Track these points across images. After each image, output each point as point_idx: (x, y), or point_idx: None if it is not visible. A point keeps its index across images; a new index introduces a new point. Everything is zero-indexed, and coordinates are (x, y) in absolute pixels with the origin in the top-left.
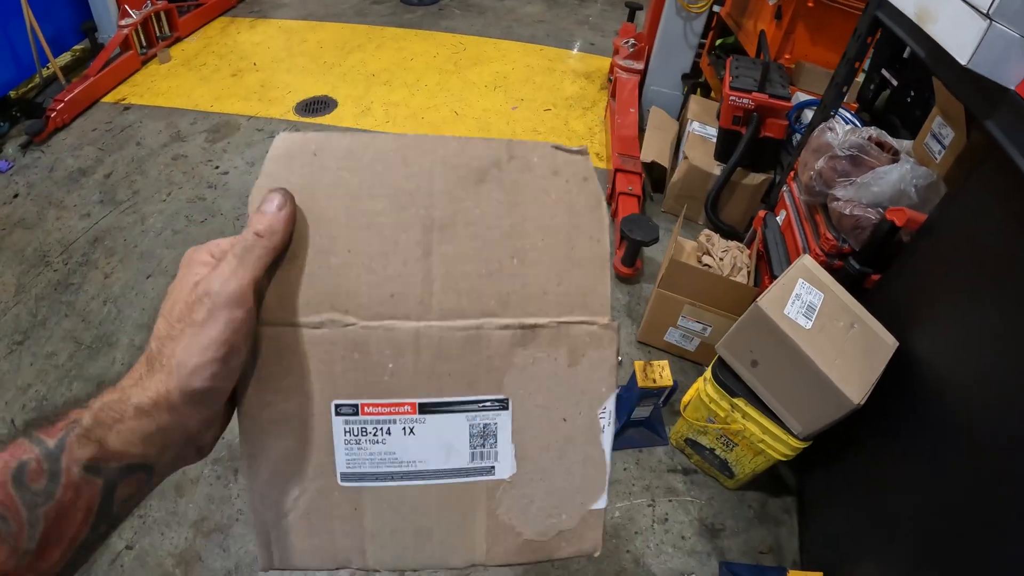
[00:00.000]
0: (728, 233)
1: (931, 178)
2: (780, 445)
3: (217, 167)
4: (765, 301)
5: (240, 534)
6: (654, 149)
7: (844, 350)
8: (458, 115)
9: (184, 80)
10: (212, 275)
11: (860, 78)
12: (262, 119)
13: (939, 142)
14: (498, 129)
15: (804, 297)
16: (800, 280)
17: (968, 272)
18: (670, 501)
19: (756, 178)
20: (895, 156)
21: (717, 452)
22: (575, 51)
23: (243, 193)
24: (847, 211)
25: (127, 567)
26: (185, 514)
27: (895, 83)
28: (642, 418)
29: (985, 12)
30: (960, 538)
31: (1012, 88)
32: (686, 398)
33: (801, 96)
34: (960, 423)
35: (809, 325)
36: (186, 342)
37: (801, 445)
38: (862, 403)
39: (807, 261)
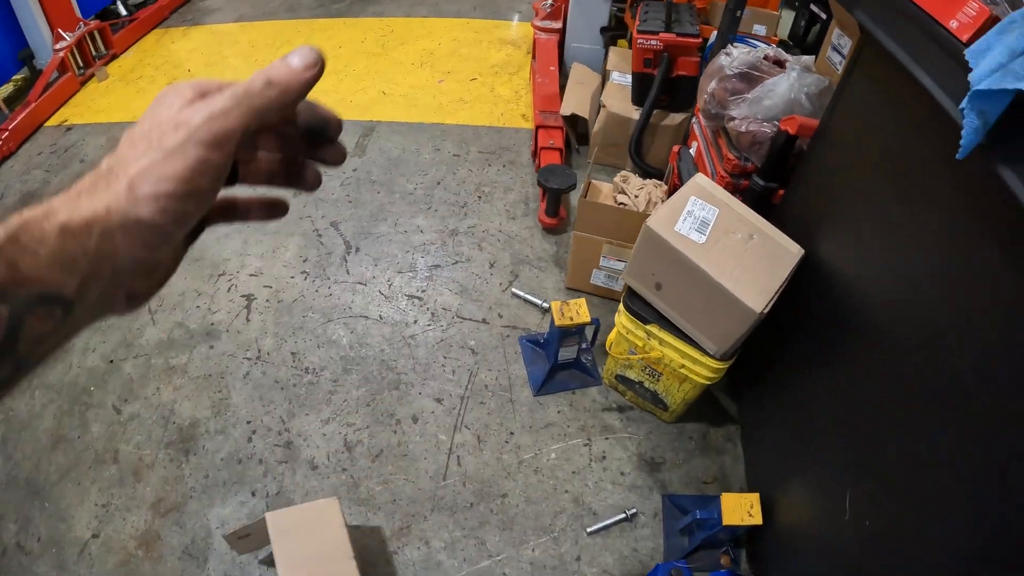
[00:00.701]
0: (654, 175)
1: (822, 84)
2: (701, 368)
3: None
4: (654, 220)
5: (194, 511)
6: (574, 102)
7: (743, 261)
8: (385, 94)
9: (122, 95)
10: (197, 105)
11: (790, 14)
12: None
13: (839, 52)
14: (424, 103)
15: (697, 213)
16: (692, 197)
17: (863, 168)
18: (607, 439)
19: (676, 118)
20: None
21: (646, 385)
22: (502, 21)
23: None
24: (743, 128)
25: (95, 555)
26: (143, 497)
27: (823, 17)
28: (570, 360)
29: None
30: (877, 437)
31: None
32: (611, 335)
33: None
34: (869, 322)
35: (703, 240)
36: (144, 165)
37: (720, 365)
38: (765, 311)
39: (700, 179)
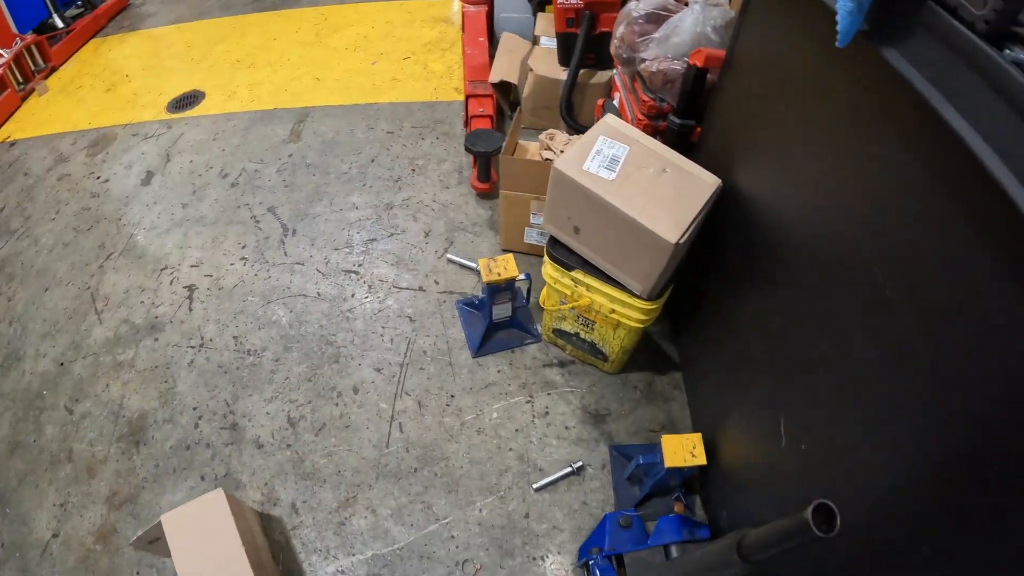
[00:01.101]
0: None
1: (728, 15)
2: (631, 311)
3: (99, 177)
4: (561, 161)
5: (147, 500)
6: (502, 70)
7: (655, 195)
8: (319, 80)
9: (63, 106)
10: None
11: None
12: (136, 124)
13: None
14: (358, 85)
15: (606, 151)
16: (601, 136)
17: (770, 92)
18: (549, 395)
19: (604, 75)
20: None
21: (582, 335)
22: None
23: (123, 195)
24: (654, 68)
25: (56, 554)
26: (98, 493)
27: None
28: (505, 318)
29: None
30: (804, 359)
31: None
32: (544, 290)
33: None
34: (789, 245)
35: (613, 176)
36: None
37: (650, 306)
38: (681, 242)
39: (609, 119)
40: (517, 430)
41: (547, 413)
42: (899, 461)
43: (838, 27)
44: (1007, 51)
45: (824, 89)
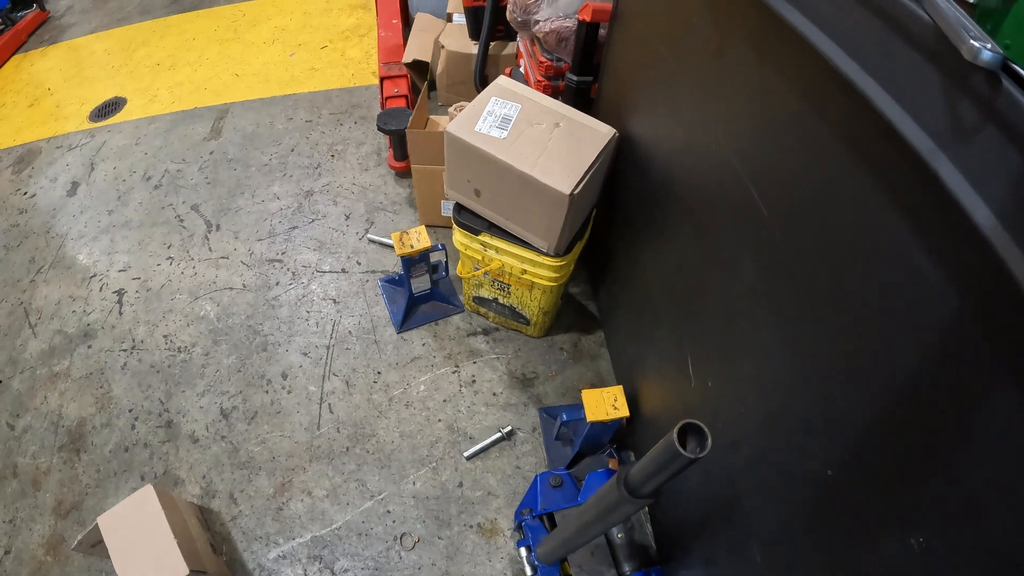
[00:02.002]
0: None
1: None
2: (542, 270)
3: (25, 193)
4: (453, 125)
5: (92, 506)
6: (416, 49)
7: (548, 149)
8: (238, 76)
9: None
10: None
11: None
12: (60, 136)
13: None
14: (276, 77)
15: (497, 112)
16: (492, 98)
17: (655, 40)
18: (475, 363)
19: (515, 45)
20: None
21: (501, 300)
22: None
23: (51, 207)
24: (548, 28)
25: (10, 570)
26: (44, 504)
27: None
28: (425, 291)
29: None
30: (701, 299)
31: None
32: (460, 259)
33: None
34: (682, 190)
35: (504, 135)
36: None
37: (559, 263)
38: (576, 192)
39: (501, 80)
40: (445, 400)
41: (474, 381)
42: (783, 391)
43: None
44: None
45: (697, 25)
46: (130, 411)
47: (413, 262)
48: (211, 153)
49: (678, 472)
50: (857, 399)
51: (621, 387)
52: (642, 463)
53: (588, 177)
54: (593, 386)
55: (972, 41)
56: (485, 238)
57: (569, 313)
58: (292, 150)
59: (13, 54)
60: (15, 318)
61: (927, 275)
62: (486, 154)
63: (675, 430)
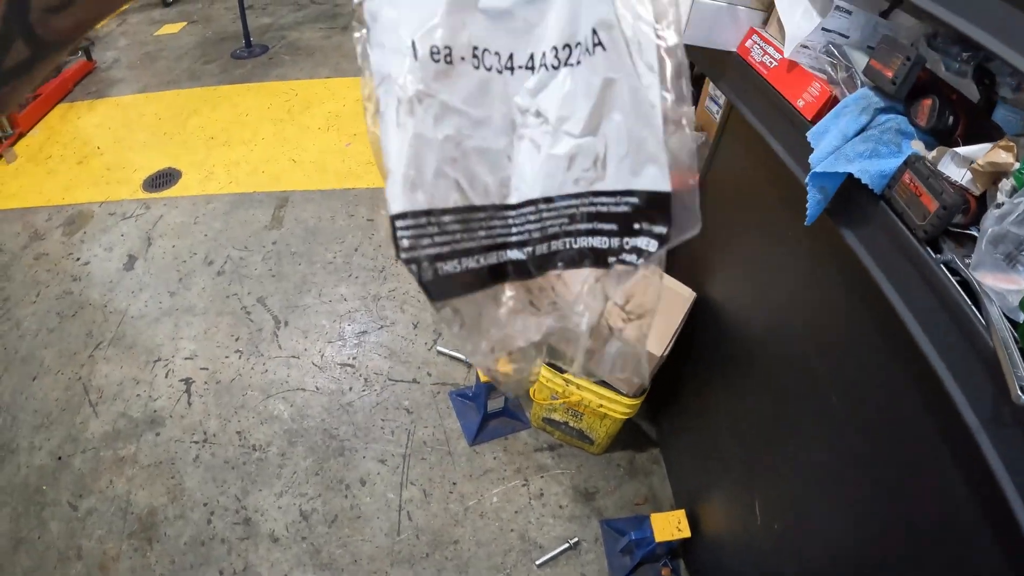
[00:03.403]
0: None
1: (700, 139)
2: (617, 405)
3: (78, 259)
4: None
5: None
6: None
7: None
8: (295, 162)
9: (32, 177)
10: None
11: None
12: (113, 203)
13: (716, 103)
14: (334, 168)
15: None
16: None
17: (737, 217)
18: (542, 477)
19: None
20: None
21: (571, 424)
22: None
23: (106, 280)
24: None
25: None
26: None
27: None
28: (498, 409)
29: None
30: (771, 449)
31: (733, 50)
32: (536, 384)
33: None
34: (751, 350)
35: None
36: None
37: (635, 402)
38: (665, 354)
39: None
40: (516, 512)
41: (542, 494)
42: (856, 539)
43: (807, 211)
44: (942, 252)
45: (787, 233)
46: (205, 505)
47: (494, 386)
48: (274, 243)
49: None
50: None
51: (684, 512)
52: None
53: (675, 337)
54: (647, 500)
55: (1019, 390)
56: (569, 376)
57: (625, 431)
58: (356, 250)
59: (59, 102)
60: (73, 393)
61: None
62: None
63: None
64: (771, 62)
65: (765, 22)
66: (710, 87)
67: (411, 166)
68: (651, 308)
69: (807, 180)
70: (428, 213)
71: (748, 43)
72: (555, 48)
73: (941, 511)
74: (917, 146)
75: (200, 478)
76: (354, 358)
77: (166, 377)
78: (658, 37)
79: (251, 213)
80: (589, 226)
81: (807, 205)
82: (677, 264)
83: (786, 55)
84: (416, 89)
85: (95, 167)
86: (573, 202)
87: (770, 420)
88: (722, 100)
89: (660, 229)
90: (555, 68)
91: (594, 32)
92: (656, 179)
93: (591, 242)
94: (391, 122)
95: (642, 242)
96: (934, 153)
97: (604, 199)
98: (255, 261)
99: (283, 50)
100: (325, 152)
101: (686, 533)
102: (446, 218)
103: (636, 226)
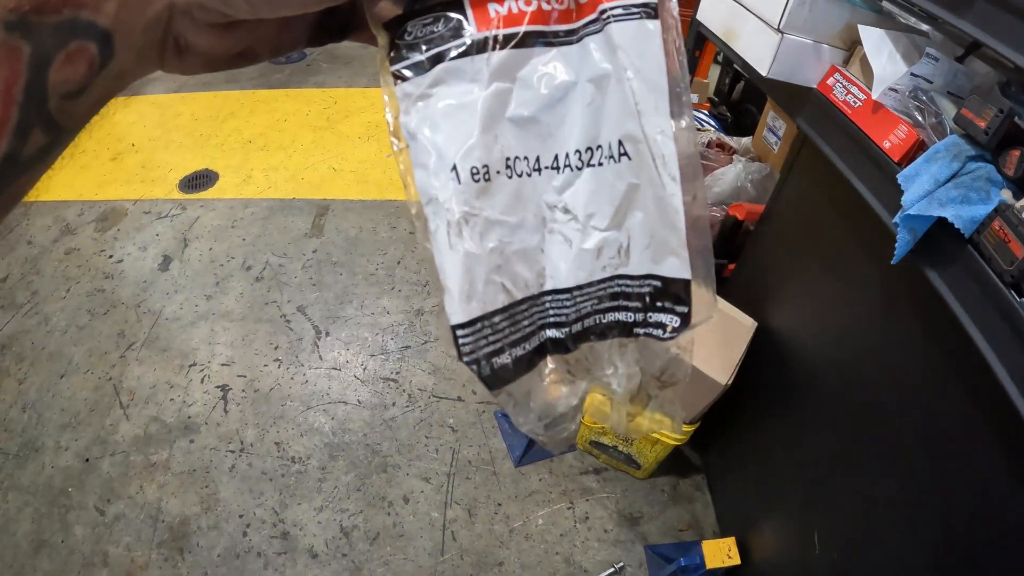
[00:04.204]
0: None
1: (765, 171)
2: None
3: (111, 256)
4: None
5: None
6: None
7: (704, 339)
8: (336, 171)
9: (65, 170)
10: None
11: (715, 69)
12: (147, 201)
13: (774, 134)
14: (375, 179)
15: None
16: None
17: (805, 250)
18: (587, 500)
19: None
20: (732, 155)
21: (620, 448)
22: None
23: (139, 279)
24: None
25: None
26: None
27: (747, 75)
28: None
29: (777, 27)
30: (835, 481)
31: (814, 87)
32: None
33: None
34: (816, 384)
35: None
36: None
37: (689, 429)
38: (729, 383)
39: None
40: (562, 535)
41: (587, 518)
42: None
43: (895, 251)
44: None
45: (861, 270)
46: (240, 516)
47: None
48: (314, 252)
49: None
50: None
51: (734, 539)
52: None
53: (738, 366)
54: (690, 526)
55: None
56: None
57: (669, 457)
58: (398, 262)
59: None
60: (103, 394)
61: None
62: None
63: None
64: (855, 101)
65: (846, 61)
66: (768, 117)
67: (465, 281)
68: (681, 380)
69: (897, 220)
70: (481, 318)
71: (830, 81)
72: (578, 151)
73: (1016, 554)
74: (1006, 194)
75: (236, 488)
76: (397, 373)
77: (202, 383)
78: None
79: (290, 220)
80: (615, 304)
81: (896, 245)
82: (737, 293)
83: (874, 96)
84: (463, 211)
85: (129, 164)
86: (601, 285)
87: (835, 452)
88: (782, 131)
89: (682, 309)
90: (579, 168)
91: (620, 143)
92: (677, 268)
93: (617, 316)
94: (443, 244)
95: (665, 318)
96: (1022, 202)
97: (628, 281)
98: (295, 269)
99: (321, 58)
100: (365, 162)
101: (736, 560)
102: (496, 318)
103: (658, 304)
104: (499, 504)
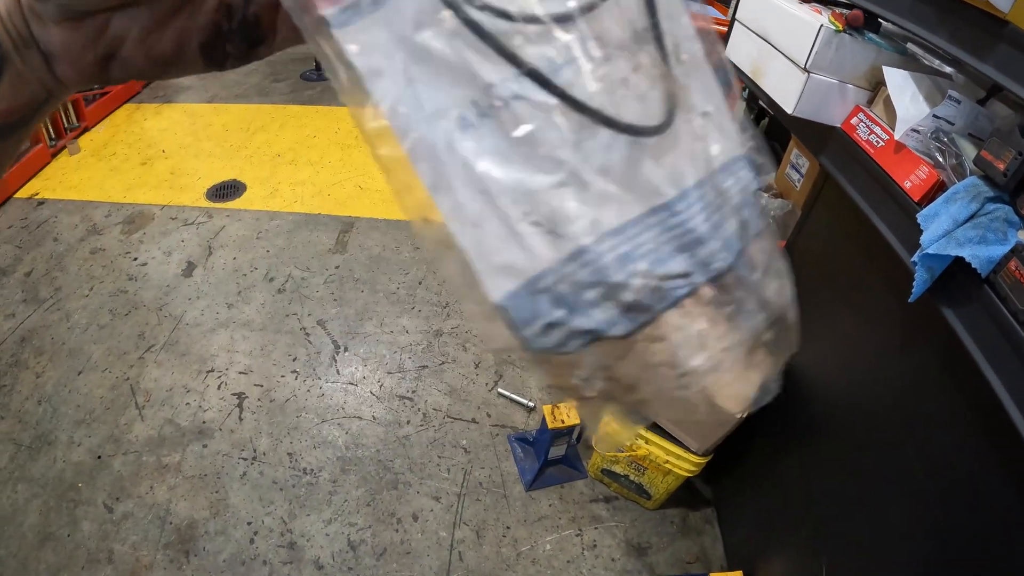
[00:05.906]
0: None
1: (787, 207)
2: (684, 463)
3: (135, 259)
4: None
5: None
6: None
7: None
8: (362, 189)
9: (95, 171)
10: None
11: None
12: (175, 207)
13: (797, 171)
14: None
15: None
16: None
17: (824, 285)
18: (596, 528)
19: None
20: None
21: (631, 477)
22: None
23: (162, 284)
24: None
25: None
26: None
27: (772, 112)
28: (559, 457)
29: (803, 66)
30: (846, 516)
31: (838, 126)
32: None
33: None
34: (831, 420)
35: None
36: None
37: (702, 460)
38: (743, 415)
39: None
40: (569, 561)
41: (595, 546)
42: None
43: (913, 288)
44: None
45: (878, 307)
46: (248, 524)
47: (560, 434)
48: (337, 267)
49: None
50: None
51: (741, 573)
52: None
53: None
54: (698, 559)
55: None
56: (640, 430)
57: (679, 489)
58: (420, 283)
59: (127, 101)
60: (119, 393)
61: None
62: None
63: None
64: (877, 141)
65: (870, 101)
66: (792, 155)
67: None
68: (787, 351)
69: (915, 259)
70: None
71: (854, 120)
72: None
73: None
74: (1023, 235)
75: (246, 495)
76: (413, 391)
77: (218, 389)
78: None
79: (315, 235)
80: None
81: (913, 283)
82: None
83: (896, 137)
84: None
85: (159, 170)
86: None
87: (846, 486)
88: (804, 169)
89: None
90: None
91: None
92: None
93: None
94: None
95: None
96: None
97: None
98: (317, 283)
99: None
100: None
101: None
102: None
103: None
104: (508, 527)
